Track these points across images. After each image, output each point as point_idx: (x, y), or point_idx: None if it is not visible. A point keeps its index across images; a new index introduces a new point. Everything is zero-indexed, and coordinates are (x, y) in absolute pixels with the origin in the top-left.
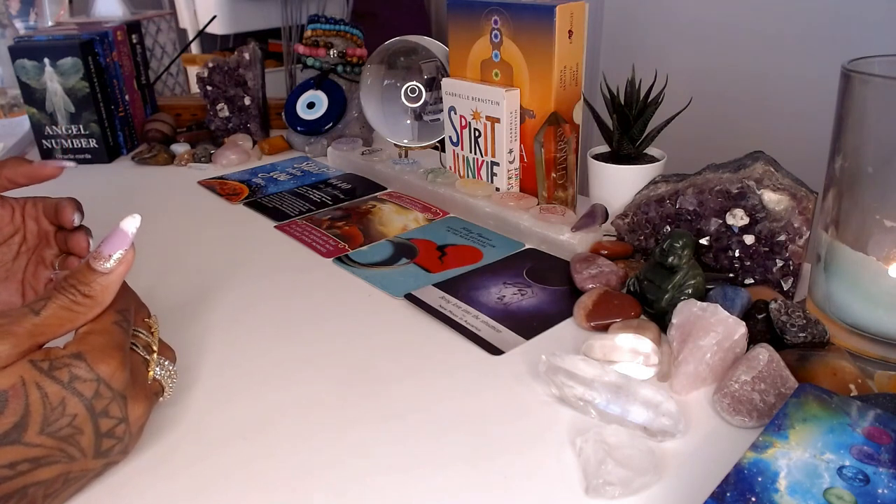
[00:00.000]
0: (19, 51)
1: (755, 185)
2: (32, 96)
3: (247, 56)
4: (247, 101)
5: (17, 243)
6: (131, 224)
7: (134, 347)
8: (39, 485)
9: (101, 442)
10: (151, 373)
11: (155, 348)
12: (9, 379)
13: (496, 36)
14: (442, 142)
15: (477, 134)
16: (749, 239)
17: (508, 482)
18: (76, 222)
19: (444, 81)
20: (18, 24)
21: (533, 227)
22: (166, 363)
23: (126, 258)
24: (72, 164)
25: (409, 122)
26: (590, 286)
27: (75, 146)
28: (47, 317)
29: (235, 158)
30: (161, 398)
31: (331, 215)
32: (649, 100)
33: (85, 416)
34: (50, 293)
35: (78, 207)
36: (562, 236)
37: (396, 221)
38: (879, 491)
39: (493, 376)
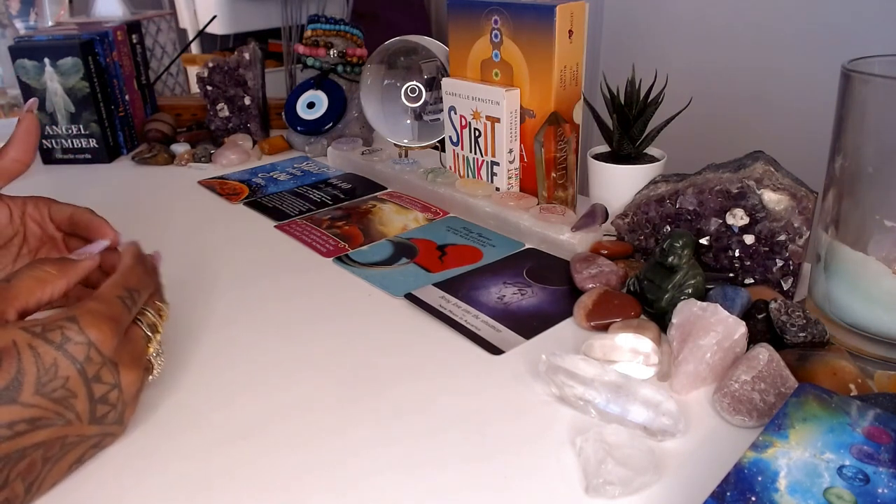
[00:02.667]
0: (19, 51)
1: (755, 184)
2: (32, 96)
3: (247, 56)
4: (247, 101)
5: (17, 245)
6: (104, 244)
7: (138, 322)
8: (38, 447)
9: (96, 407)
10: (151, 349)
11: (160, 329)
12: (1, 341)
13: (496, 36)
14: (442, 142)
15: (477, 134)
16: (749, 239)
17: (508, 482)
18: (120, 243)
19: (444, 81)
20: (18, 24)
21: (533, 227)
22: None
23: (94, 257)
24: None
25: (409, 122)
26: (590, 286)
27: (75, 146)
28: (15, 283)
29: (235, 158)
30: (150, 377)
31: (331, 215)
32: (649, 100)
33: (77, 380)
34: (20, 268)
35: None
36: (562, 236)
37: (396, 221)
38: (879, 490)
39: (493, 376)
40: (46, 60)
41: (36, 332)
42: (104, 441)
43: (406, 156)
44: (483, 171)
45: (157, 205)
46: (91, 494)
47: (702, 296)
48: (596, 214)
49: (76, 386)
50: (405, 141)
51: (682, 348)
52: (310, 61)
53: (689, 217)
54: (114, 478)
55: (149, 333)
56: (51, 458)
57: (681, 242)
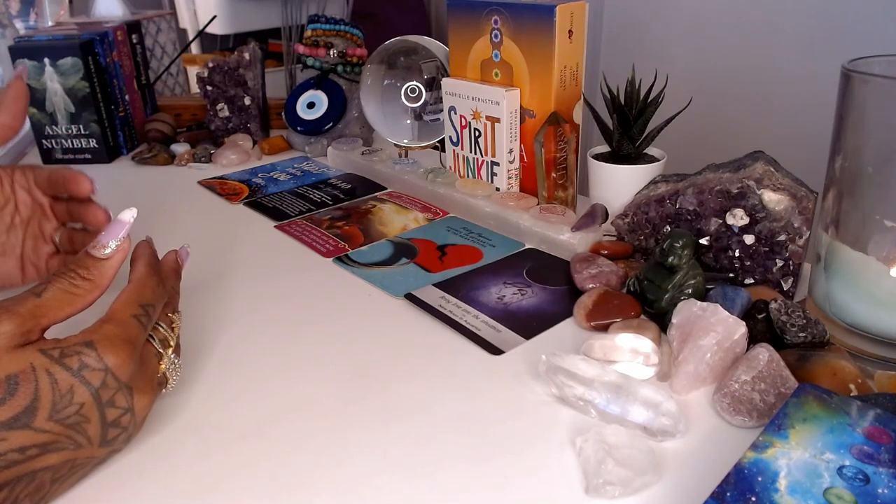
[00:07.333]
0: (19, 51)
1: (755, 185)
2: (32, 96)
3: (247, 56)
4: (247, 101)
5: (9, 214)
6: (128, 215)
7: (150, 340)
8: (47, 470)
9: (107, 431)
10: (163, 366)
11: (172, 344)
12: (19, 364)
13: (496, 36)
14: (442, 142)
15: (477, 134)
16: (749, 239)
17: (508, 482)
18: (95, 192)
19: (444, 81)
20: (18, 24)
21: (533, 227)
22: (172, 356)
23: (122, 247)
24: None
25: (409, 122)
26: (590, 286)
27: (75, 146)
28: (48, 298)
29: (235, 158)
30: (164, 390)
31: (331, 215)
32: (649, 100)
33: (91, 405)
34: (50, 277)
35: (89, 178)
36: (562, 236)
37: (396, 221)
38: (879, 491)
39: (493, 376)
40: (46, 60)
41: (54, 357)
42: (109, 457)
43: (406, 156)
44: (483, 171)
45: (157, 205)
46: (91, 497)
47: (702, 296)
48: (596, 214)
49: (90, 412)
50: (405, 141)
51: (682, 348)
52: (310, 61)
53: (689, 217)
54: (115, 479)
55: (160, 350)
56: (59, 479)
57: (681, 242)
